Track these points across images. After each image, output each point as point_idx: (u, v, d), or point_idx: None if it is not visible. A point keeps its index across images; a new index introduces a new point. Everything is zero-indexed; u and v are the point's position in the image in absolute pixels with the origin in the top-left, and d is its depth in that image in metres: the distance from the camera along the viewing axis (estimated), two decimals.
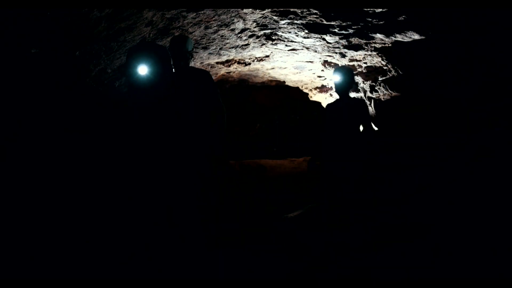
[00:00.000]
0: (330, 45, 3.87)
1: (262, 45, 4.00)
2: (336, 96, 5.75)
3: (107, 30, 2.56)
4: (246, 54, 4.41)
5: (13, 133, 2.20)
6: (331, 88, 5.87)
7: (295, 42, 3.88)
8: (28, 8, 1.89)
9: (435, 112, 3.63)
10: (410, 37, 3.27)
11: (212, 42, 3.70)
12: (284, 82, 6.52)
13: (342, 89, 3.06)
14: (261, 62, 4.88)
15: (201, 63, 4.48)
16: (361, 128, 3.13)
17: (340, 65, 3.19)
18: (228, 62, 4.90)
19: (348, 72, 3.07)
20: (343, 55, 4.22)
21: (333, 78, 3.14)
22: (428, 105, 3.68)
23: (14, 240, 2.02)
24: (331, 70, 4.83)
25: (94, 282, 1.86)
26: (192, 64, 4.33)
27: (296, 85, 6.68)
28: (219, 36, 3.57)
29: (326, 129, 3.07)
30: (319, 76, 5.59)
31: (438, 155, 3.48)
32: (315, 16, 3.09)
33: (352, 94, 5.04)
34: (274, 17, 3.18)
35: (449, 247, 2.49)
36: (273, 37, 3.77)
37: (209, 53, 4.08)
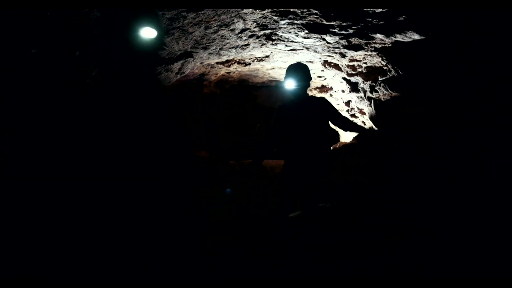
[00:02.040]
0: (330, 45, 3.88)
1: (262, 45, 4.00)
2: (336, 96, 5.73)
3: None
4: (246, 54, 4.42)
5: (13, 133, 2.20)
6: (331, 88, 5.87)
7: (295, 42, 3.88)
8: (28, 8, 1.89)
9: (435, 112, 3.63)
10: (410, 37, 3.27)
11: (212, 42, 3.70)
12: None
13: (301, 90, 2.77)
14: (261, 62, 4.88)
15: (201, 63, 4.48)
16: (333, 125, 2.94)
17: (292, 64, 2.94)
18: (228, 62, 4.90)
19: (303, 70, 2.82)
20: (343, 55, 4.22)
21: (286, 83, 2.88)
22: (428, 105, 3.68)
23: (14, 240, 2.02)
24: (331, 70, 4.84)
25: (93, 282, 1.86)
26: (192, 64, 4.34)
27: None
28: (219, 36, 3.57)
29: (283, 132, 2.83)
30: (319, 76, 5.59)
31: (438, 155, 3.48)
32: (315, 16, 3.09)
33: (353, 94, 5.04)
34: (274, 17, 3.18)
35: (449, 247, 2.50)
36: (273, 37, 3.77)
37: (209, 53, 4.08)
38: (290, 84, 2.74)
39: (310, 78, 2.83)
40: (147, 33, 2.12)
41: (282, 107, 2.94)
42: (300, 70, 2.77)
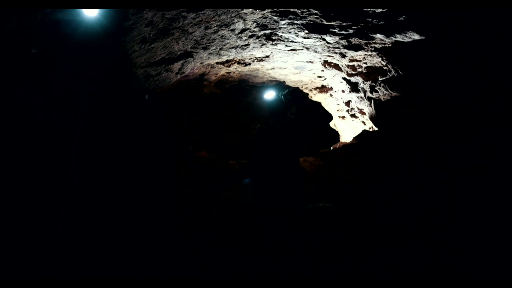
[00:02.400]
0: (330, 45, 3.88)
1: (262, 45, 4.00)
2: (337, 96, 5.72)
3: None
4: (246, 54, 4.42)
5: (13, 133, 2.20)
6: (331, 88, 5.87)
7: (295, 42, 3.88)
8: (28, 8, 1.89)
9: (435, 112, 3.63)
10: (410, 37, 3.27)
11: (212, 42, 3.70)
12: (284, 82, 6.52)
13: (279, 107, 2.63)
14: (261, 62, 4.88)
15: (201, 63, 4.48)
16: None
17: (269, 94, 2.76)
18: (228, 63, 4.90)
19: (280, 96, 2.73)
20: (343, 55, 4.22)
21: (265, 96, 2.73)
22: (428, 105, 3.68)
23: (14, 240, 2.02)
24: (331, 70, 4.84)
25: (93, 280, 1.86)
26: (192, 64, 4.34)
27: (296, 85, 6.68)
28: (219, 36, 3.57)
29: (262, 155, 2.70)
30: (319, 76, 5.60)
31: (438, 155, 3.48)
32: (315, 16, 3.09)
33: (353, 94, 5.04)
34: (274, 17, 3.18)
35: (450, 247, 2.49)
36: (273, 37, 3.77)
37: (209, 53, 4.08)
38: (270, 95, 2.65)
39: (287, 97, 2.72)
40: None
41: (263, 131, 2.82)
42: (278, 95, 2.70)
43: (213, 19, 3.08)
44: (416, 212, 3.06)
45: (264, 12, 3.02)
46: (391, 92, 4.13)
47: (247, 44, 3.93)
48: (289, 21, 3.25)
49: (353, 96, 5.08)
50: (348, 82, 4.93)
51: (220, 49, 3.98)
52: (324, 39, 3.70)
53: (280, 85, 2.83)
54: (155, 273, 1.96)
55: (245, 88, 7.32)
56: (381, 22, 3.05)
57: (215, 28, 3.31)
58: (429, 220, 2.90)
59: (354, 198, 3.74)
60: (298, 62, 4.84)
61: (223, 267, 2.44)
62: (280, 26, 3.40)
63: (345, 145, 5.39)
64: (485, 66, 3.10)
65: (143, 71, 3.81)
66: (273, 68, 5.32)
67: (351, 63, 4.45)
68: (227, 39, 3.69)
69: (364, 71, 4.43)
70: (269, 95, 2.66)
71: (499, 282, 2.01)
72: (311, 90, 6.61)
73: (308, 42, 3.83)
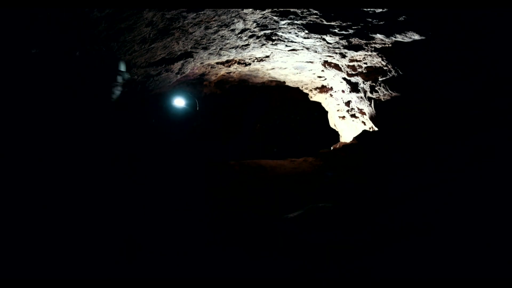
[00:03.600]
0: (330, 45, 3.88)
1: (262, 45, 4.00)
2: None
3: (107, 30, 2.56)
4: (246, 55, 4.42)
5: (13, 134, 2.20)
6: (331, 89, 5.87)
7: (295, 42, 3.88)
8: (28, 8, 1.89)
9: (435, 112, 3.63)
10: (410, 37, 3.27)
11: (212, 42, 3.70)
12: (284, 82, 6.53)
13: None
14: (261, 63, 4.88)
15: (201, 63, 4.48)
16: None
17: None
18: (228, 63, 4.90)
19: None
20: (343, 55, 4.22)
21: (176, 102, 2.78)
22: (428, 105, 3.68)
23: (14, 240, 2.02)
24: (331, 70, 4.84)
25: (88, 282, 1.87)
26: (192, 64, 4.34)
27: (296, 85, 6.69)
28: (219, 37, 3.57)
29: None
30: (319, 77, 5.60)
31: (438, 155, 3.48)
32: (315, 16, 3.09)
33: (353, 94, 5.03)
34: (274, 17, 3.18)
35: (450, 247, 2.50)
36: (273, 38, 3.77)
37: (209, 54, 4.08)
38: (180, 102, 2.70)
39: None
40: None
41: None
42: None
43: (213, 19, 3.08)
44: (417, 212, 3.06)
45: (264, 12, 3.02)
46: (391, 92, 4.14)
47: (247, 44, 3.94)
48: (289, 21, 3.25)
49: (353, 96, 5.09)
50: (348, 82, 4.93)
51: (220, 49, 3.98)
52: (324, 39, 3.70)
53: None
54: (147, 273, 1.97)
55: (245, 88, 7.32)
56: (381, 22, 3.05)
57: (215, 28, 3.31)
58: (431, 220, 2.90)
59: (354, 198, 3.74)
60: (298, 62, 4.84)
61: (219, 267, 2.44)
62: (280, 26, 3.40)
63: (345, 145, 5.39)
64: (485, 66, 3.10)
65: (143, 71, 3.81)
66: (273, 68, 5.32)
67: (351, 63, 4.45)
68: (227, 39, 3.69)
69: (364, 71, 4.43)
70: (179, 102, 2.70)
71: (500, 281, 2.02)
72: (311, 90, 6.61)
73: (308, 42, 3.83)
